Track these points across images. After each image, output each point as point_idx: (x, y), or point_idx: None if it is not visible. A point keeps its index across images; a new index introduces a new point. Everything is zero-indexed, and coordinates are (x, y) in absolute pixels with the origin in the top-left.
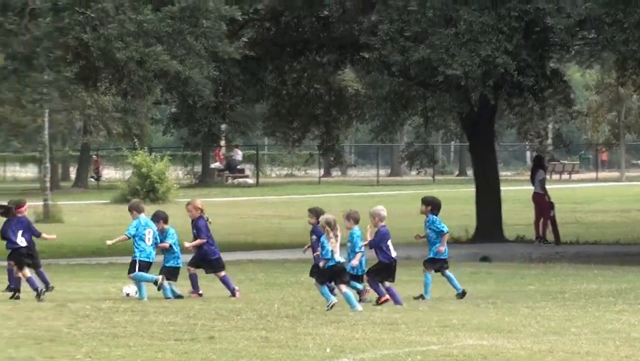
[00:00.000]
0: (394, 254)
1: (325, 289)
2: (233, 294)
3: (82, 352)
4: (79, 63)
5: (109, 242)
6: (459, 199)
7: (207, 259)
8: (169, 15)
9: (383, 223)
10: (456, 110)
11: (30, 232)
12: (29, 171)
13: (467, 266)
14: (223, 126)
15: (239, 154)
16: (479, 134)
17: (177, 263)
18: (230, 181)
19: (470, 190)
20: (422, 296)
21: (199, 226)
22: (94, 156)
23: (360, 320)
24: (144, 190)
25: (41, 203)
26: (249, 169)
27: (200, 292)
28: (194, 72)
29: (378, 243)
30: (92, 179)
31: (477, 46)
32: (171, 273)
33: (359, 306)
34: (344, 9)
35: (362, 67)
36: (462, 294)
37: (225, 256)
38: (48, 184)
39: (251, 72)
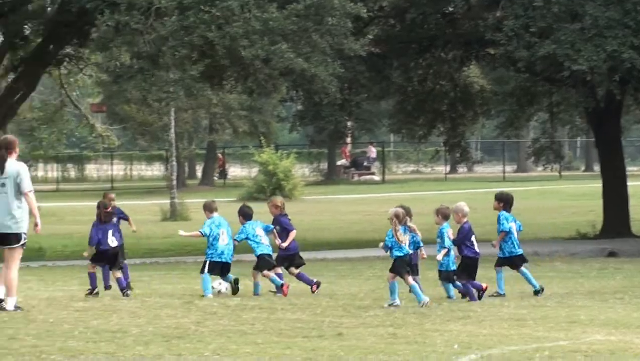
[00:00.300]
0: (478, 250)
1: (415, 287)
2: (313, 286)
3: (210, 349)
4: (205, 61)
5: (181, 232)
6: (586, 195)
7: (290, 254)
8: (294, 13)
9: (466, 220)
10: (582, 105)
11: (119, 231)
12: (156, 170)
13: (594, 261)
14: (349, 123)
15: (373, 152)
16: (605, 130)
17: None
18: (356, 178)
19: (597, 186)
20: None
21: (281, 222)
22: (219, 154)
23: (488, 316)
24: (270, 188)
25: (168, 201)
26: (375, 166)
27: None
28: (320, 70)
29: (462, 240)
30: (217, 177)
31: (603, 41)
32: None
33: (426, 299)
34: (469, 6)
35: (487, 63)
36: (539, 291)
37: (353, 253)
38: (174, 183)
39: (377, 69)
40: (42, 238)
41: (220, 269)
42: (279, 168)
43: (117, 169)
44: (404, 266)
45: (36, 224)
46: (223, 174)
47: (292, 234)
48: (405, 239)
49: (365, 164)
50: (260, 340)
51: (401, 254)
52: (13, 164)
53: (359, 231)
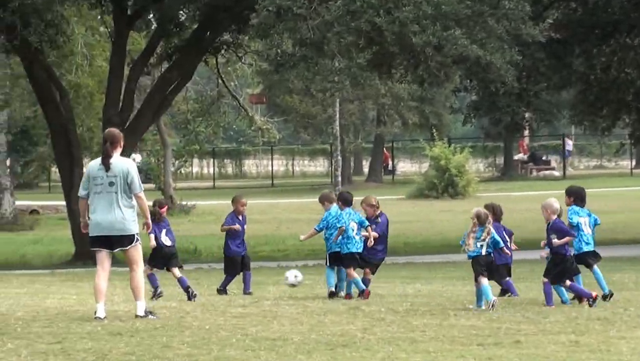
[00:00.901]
0: (571, 248)
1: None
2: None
3: (378, 358)
4: (372, 49)
5: (301, 237)
6: None
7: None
8: None
9: (555, 216)
10: None
11: (171, 232)
12: (319, 165)
13: None
14: (527, 114)
15: (569, 144)
16: None
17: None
18: (534, 173)
19: None
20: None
21: (380, 222)
22: (385, 150)
23: None
24: (442, 184)
25: None
26: (555, 160)
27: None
28: (496, 57)
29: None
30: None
31: None
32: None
33: (494, 298)
34: None
35: None
36: (607, 296)
37: (531, 255)
38: (339, 179)
39: (557, 57)
40: (197, 238)
41: (336, 260)
42: (452, 163)
43: (278, 164)
44: (479, 267)
45: (148, 225)
46: (387, 170)
47: (374, 235)
48: (472, 242)
49: (566, 155)
50: (432, 348)
51: (474, 254)
52: (121, 161)
53: (535, 231)
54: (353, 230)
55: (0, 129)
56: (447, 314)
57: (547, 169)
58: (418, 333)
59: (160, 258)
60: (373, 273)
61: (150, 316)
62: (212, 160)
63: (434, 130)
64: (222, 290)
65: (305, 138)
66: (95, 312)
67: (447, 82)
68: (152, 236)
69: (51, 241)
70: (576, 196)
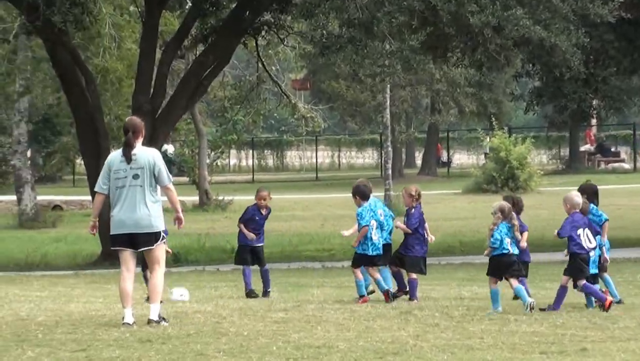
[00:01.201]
0: (591, 244)
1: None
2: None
3: None
4: (426, 30)
5: (345, 233)
6: None
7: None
8: None
9: (576, 210)
10: None
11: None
12: (368, 157)
13: None
14: (594, 102)
15: None
16: None
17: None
18: (602, 166)
19: None
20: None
21: (411, 215)
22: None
23: None
24: (502, 178)
25: (381, 194)
26: (624, 151)
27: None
28: (561, 39)
29: (568, 232)
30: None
31: None
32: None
33: (530, 300)
34: None
35: None
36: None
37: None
38: (390, 172)
39: (627, 39)
40: (234, 237)
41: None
42: (513, 155)
43: (323, 156)
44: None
45: (179, 219)
46: (440, 163)
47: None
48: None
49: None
50: (490, 357)
51: (499, 253)
52: (145, 151)
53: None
54: (372, 229)
55: (20, 118)
56: (506, 319)
57: (616, 161)
58: (475, 340)
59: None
60: (409, 272)
61: (163, 323)
62: (251, 151)
63: (493, 119)
64: (249, 292)
65: (353, 127)
66: (123, 317)
67: (508, 66)
68: None
69: (75, 240)
70: (589, 193)
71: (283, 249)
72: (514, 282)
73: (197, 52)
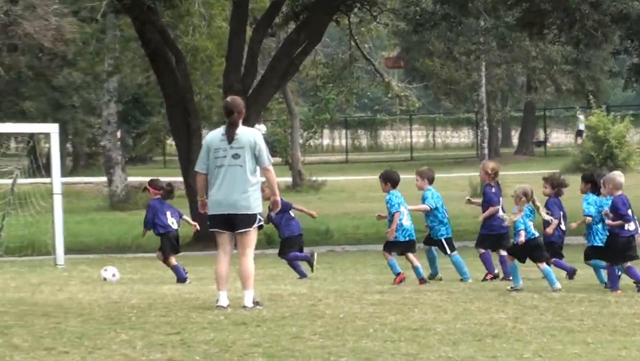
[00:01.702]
0: (632, 227)
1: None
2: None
3: (530, 350)
4: (522, 6)
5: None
6: None
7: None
8: None
9: (619, 192)
10: None
11: (178, 214)
12: (463, 136)
13: None
14: None
15: None
16: None
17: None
18: None
19: None
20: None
21: (485, 192)
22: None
23: None
24: (600, 157)
25: (477, 174)
26: None
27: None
28: None
29: (625, 211)
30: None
31: None
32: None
33: (558, 284)
34: None
35: None
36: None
37: None
38: (486, 151)
39: None
40: (329, 218)
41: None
42: (611, 134)
43: (417, 135)
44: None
45: (276, 203)
46: (534, 143)
47: (492, 210)
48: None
49: None
50: (590, 339)
51: (529, 237)
52: (246, 131)
53: None
54: (403, 215)
55: (109, 98)
56: (607, 301)
57: None
58: (575, 322)
59: (173, 244)
60: (493, 250)
61: (257, 307)
62: (344, 131)
63: (591, 97)
64: (301, 275)
65: (448, 106)
66: (217, 300)
67: (605, 43)
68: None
69: None
70: (593, 183)
71: (378, 230)
72: (541, 265)
73: (289, 30)
